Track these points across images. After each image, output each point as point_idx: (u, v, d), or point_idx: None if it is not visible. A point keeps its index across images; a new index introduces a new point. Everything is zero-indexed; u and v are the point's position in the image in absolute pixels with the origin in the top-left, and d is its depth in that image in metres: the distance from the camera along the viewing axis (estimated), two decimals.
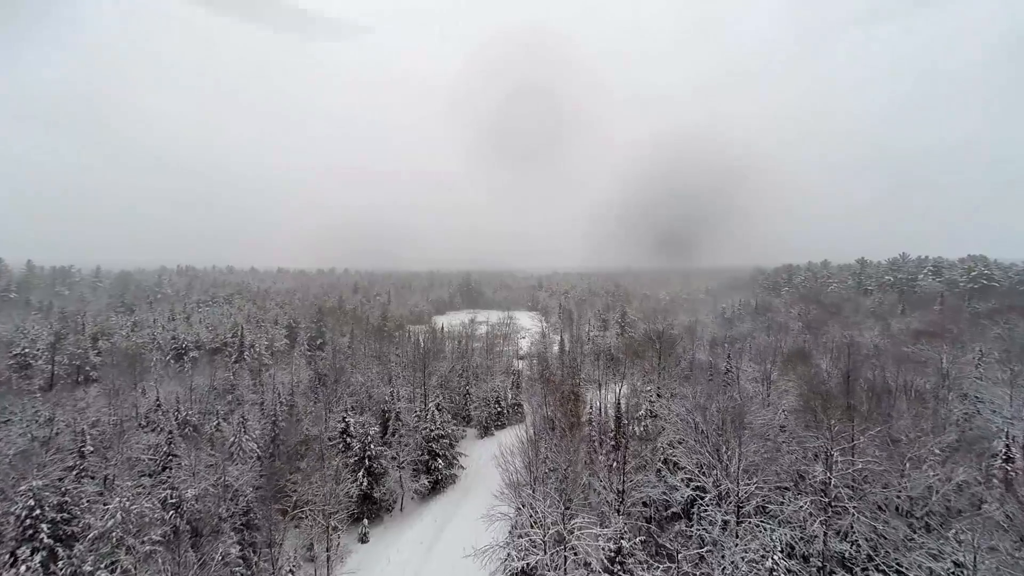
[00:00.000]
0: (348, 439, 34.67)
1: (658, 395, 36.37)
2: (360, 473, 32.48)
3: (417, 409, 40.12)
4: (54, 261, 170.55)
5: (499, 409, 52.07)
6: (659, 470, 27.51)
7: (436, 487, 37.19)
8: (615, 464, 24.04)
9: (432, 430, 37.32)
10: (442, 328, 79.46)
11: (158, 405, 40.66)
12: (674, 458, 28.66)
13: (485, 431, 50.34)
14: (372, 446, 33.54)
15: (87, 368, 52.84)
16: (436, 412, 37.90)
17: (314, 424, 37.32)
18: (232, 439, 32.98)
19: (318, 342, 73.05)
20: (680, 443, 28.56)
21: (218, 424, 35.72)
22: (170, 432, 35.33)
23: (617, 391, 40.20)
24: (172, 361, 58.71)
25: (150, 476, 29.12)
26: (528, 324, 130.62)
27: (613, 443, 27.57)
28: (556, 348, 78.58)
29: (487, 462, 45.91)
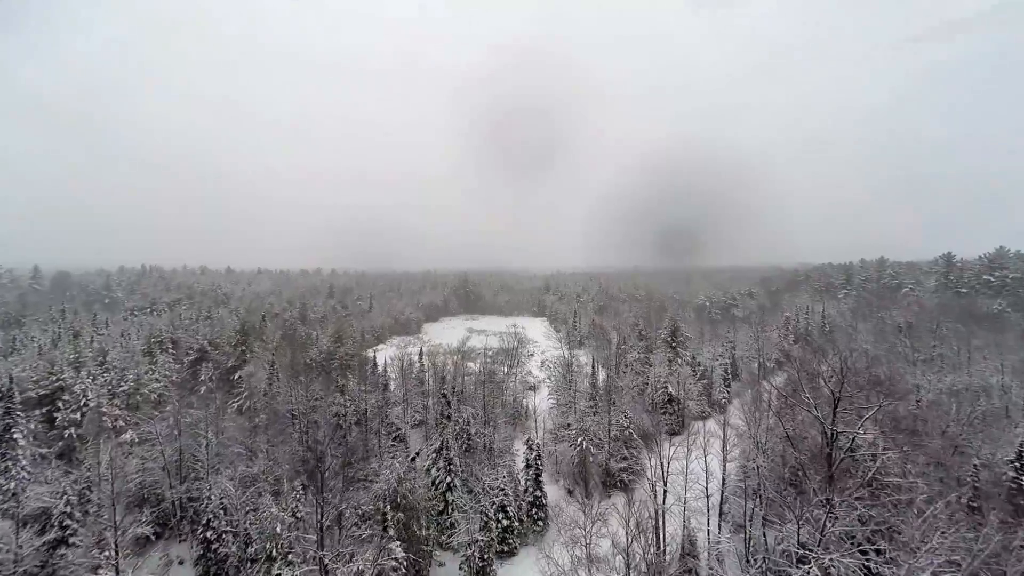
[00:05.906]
0: None
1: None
2: None
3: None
4: (53, 265, 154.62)
5: (507, 522, 28.39)
6: None
7: None
8: None
9: None
10: (421, 354, 55.35)
11: None
12: None
13: (481, 572, 26.57)
14: None
15: None
16: None
17: None
18: None
19: (235, 376, 49.31)
20: None
21: None
22: None
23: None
24: None
25: None
26: (538, 336, 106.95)
27: None
28: (585, 377, 54.50)
29: None
